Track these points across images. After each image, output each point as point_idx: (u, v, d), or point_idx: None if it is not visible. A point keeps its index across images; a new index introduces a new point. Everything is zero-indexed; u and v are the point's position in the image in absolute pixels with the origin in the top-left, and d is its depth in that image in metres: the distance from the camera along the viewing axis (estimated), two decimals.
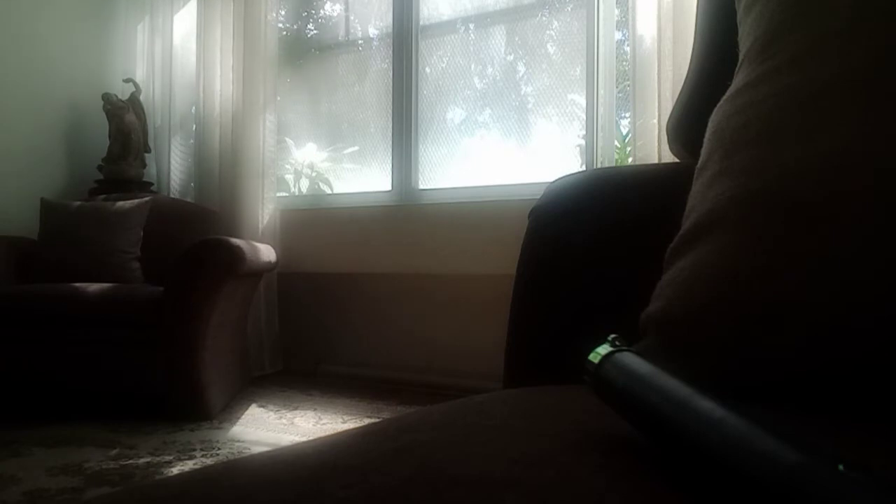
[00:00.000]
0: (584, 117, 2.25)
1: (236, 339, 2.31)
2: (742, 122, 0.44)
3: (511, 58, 2.60)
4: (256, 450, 1.65)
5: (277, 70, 2.78)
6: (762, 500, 0.20)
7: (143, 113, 2.94)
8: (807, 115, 0.40)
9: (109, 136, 2.84)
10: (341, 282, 2.66)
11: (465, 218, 2.37)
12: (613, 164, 2.15)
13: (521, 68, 2.61)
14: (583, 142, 2.30)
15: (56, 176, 2.93)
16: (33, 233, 2.46)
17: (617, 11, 2.17)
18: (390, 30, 2.68)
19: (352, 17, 2.96)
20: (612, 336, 0.33)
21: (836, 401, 0.34)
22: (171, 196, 2.94)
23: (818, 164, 0.38)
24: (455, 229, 2.39)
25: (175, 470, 1.48)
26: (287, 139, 3.01)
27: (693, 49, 0.68)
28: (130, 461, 1.54)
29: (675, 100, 0.70)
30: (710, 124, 0.48)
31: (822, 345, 0.35)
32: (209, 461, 1.56)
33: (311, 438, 0.35)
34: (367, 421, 1.95)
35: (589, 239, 0.64)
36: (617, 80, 2.18)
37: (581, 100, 2.31)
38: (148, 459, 1.55)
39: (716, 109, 0.48)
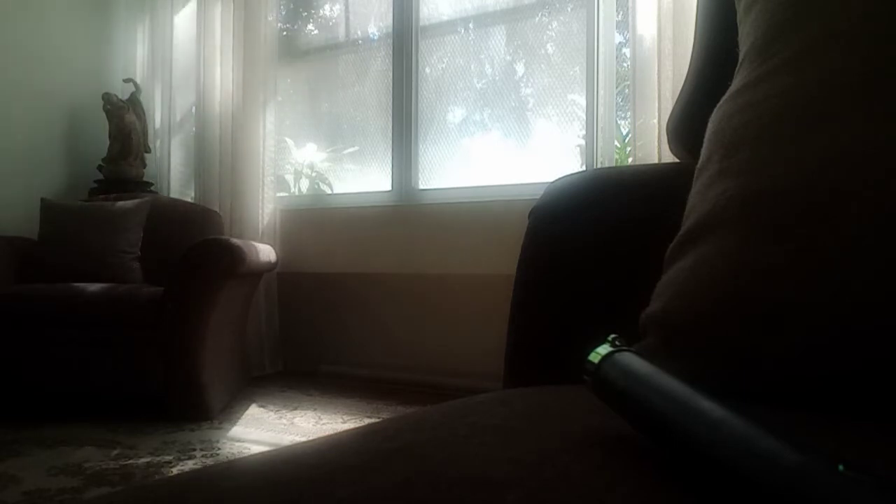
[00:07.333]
0: (584, 117, 2.25)
1: (236, 340, 2.31)
2: (742, 122, 0.44)
3: (511, 58, 2.60)
4: (256, 450, 1.65)
5: (277, 70, 2.78)
6: (762, 500, 0.20)
7: (143, 113, 2.94)
8: (807, 115, 0.40)
9: (109, 136, 2.84)
10: (341, 282, 2.66)
11: (465, 218, 2.37)
12: (613, 164, 2.15)
13: (521, 68, 2.61)
14: (583, 142, 2.30)
15: (56, 176, 2.93)
16: (33, 233, 2.46)
17: (617, 12, 2.17)
18: (390, 30, 2.68)
19: (351, 18, 2.96)
20: (612, 336, 0.33)
21: (836, 402, 0.34)
22: (171, 196, 2.94)
23: (818, 164, 0.38)
24: (455, 229, 2.39)
25: (175, 470, 1.48)
26: (287, 139, 3.01)
27: (693, 49, 0.68)
28: (130, 461, 1.54)
29: (675, 100, 0.70)
30: (710, 124, 0.48)
31: (822, 346, 0.35)
32: (209, 461, 1.56)
33: (311, 438, 0.35)
34: (367, 421, 1.95)
35: (589, 239, 0.64)
36: (617, 81, 2.18)
37: (581, 100, 2.31)
38: (148, 459, 1.55)
39: (716, 109, 0.48)
